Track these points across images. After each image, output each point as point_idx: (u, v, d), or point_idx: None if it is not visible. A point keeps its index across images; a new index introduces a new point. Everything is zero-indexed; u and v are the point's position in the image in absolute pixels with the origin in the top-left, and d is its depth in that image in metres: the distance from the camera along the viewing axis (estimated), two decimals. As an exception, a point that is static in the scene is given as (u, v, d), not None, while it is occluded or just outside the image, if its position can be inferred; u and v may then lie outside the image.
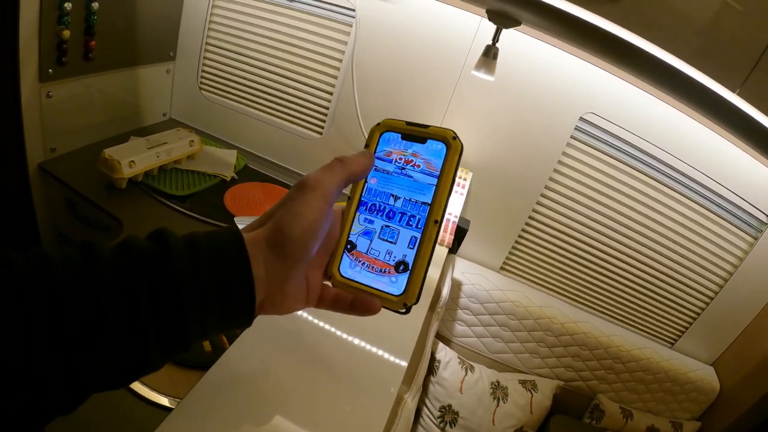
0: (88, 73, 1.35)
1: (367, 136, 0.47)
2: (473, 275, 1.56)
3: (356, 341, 0.63)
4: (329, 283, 0.46)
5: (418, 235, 0.43)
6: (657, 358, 1.55)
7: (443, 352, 1.51)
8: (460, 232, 1.09)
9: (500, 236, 1.59)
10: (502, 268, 1.66)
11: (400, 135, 0.46)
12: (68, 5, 1.18)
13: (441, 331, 1.63)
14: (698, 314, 1.59)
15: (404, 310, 0.43)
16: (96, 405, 0.38)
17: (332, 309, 0.45)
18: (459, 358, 1.54)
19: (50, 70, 1.22)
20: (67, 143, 1.37)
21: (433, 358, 1.49)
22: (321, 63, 1.55)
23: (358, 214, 0.46)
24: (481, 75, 1.06)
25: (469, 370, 1.51)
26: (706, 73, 1.05)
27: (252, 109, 1.71)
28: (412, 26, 1.40)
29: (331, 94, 1.57)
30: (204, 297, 0.35)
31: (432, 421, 1.47)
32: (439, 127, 0.44)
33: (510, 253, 1.62)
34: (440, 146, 0.44)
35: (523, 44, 1.31)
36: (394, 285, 0.43)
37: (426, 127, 0.45)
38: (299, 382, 0.53)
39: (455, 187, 1.27)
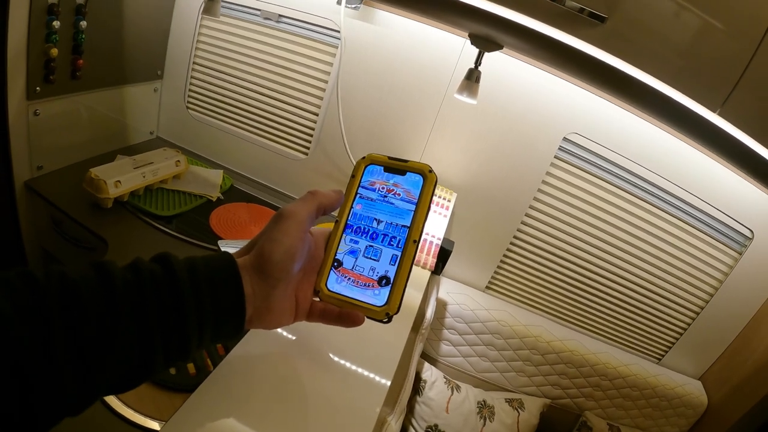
0: (75, 91, 1.35)
1: (353, 166, 0.55)
2: (458, 295, 1.56)
3: (337, 360, 0.63)
4: (318, 299, 0.51)
5: (399, 253, 0.50)
6: (644, 374, 1.55)
7: (429, 372, 1.51)
8: (444, 253, 1.09)
9: (485, 256, 1.60)
10: (487, 288, 1.66)
11: (382, 168, 0.53)
12: (56, 24, 1.18)
13: (427, 350, 1.62)
14: (685, 329, 1.60)
15: (386, 320, 0.48)
16: (81, 426, 0.42)
17: (321, 321, 0.52)
18: (445, 377, 1.53)
19: (38, 88, 1.22)
20: (54, 161, 1.37)
21: (418, 378, 1.49)
22: (307, 84, 1.56)
23: (344, 235, 0.52)
24: (464, 98, 1.08)
25: (455, 390, 1.50)
26: (686, 94, 1.06)
27: (238, 129, 1.71)
28: (397, 48, 1.41)
29: (316, 115, 1.58)
30: (201, 311, 0.41)
31: (419, 441, 1.46)
32: (418, 162, 0.52)
33: (495, 272, 1.62)
34: (418, 178, 0.51)
35: (506, 65, 1.33)
36: (377, 297, 0.49)
37: (405, 161, 0.52)
38: (279, 404, 0.53)
39: (438, 209, 1.28)
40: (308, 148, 1.63)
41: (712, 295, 1.54)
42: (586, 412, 1.59)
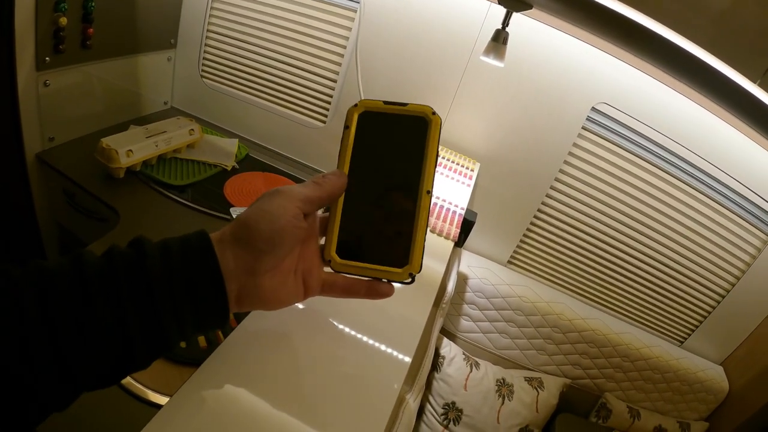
0: (86, 61, 1.33)
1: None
2: (480, 269, 1.53)
3: (355, 335, 0.60)
4: (330, 269, 0.46)
5: (413, 207, 0.44)
6: (666, 356, 1.52)
7: (448, 348, 1.48)
8: (467, 225, 1.05)
9: (508, 229, 1.56)
10: (509, 262, 1.63)
11: (379, 114, 0.47)
12: (65, -8, 1.16)
13: (446, 326, 1.60)
14: (709, 312, 1.56)
15: (410, 280, 0.43)
16: (89, 402, 0.39)
17: (345, 296, 0.47)
18: (464, 354, 1.51)
19: (47, 59, 1.20)
20: (65, 133, 1.35)
21: (437, 354, 1.46)
22: (325, 50, 1.52)
23: (348, 193, 0.46)
24: (490, 61, 1.02)
25: (474, 367, 1.48)
26: (725, 62, 1.01)
27: (254, 97, 1.68)
28: (417, 11, 1.36)
29: (335, 82, 1.54)
30: (175, 294, 0.37)
31: (435, 419, 1.44)
32: (417, 104, 0.46)
33: (518, 246, 1.59)
34: (421, 121, 0.45)
35: (533, 31, 1.27)
36: (397, 258, 0.44)
37: (404, 104, 0.46)
38: (295, 380, 0.50)
39: (460, 178, 1.24)
40: (326, 116, 1.60)
41: (738, 279, 1.49)
42: (606, 393, 1.56)
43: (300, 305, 0.60)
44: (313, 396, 0.49)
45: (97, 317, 0.34)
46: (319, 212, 0.48)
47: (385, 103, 0.47)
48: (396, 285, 0.45)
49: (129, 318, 0.35)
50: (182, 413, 0.43)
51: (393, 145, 0.47)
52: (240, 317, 0.53)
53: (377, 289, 0.46)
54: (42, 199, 1.35)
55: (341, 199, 0.46)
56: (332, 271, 0.46)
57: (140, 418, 0.41)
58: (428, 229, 0.44)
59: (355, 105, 0.47)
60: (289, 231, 0.41)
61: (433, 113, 0.45)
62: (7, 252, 1.38)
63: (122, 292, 0.35)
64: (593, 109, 1.33)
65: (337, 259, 0.45)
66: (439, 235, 0.91)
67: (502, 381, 1.48)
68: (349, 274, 0.45)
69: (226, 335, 0.52)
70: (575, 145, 1.39)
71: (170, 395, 0.78)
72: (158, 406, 0.78)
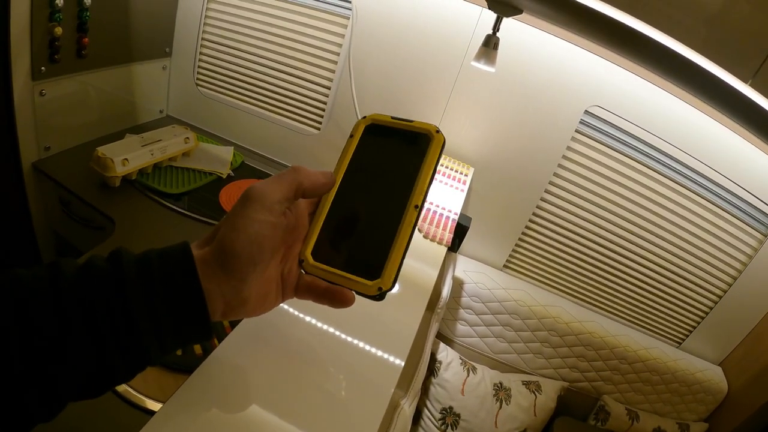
0: (81, 70, 1.33)
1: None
2: (475, 273, 1.53)
3: (350, 341, 0.60)
4: (303, 270, 0.44)
5: (396, 220, 0.42)
6: (664, 358, 1.52)
7: (444, 353, 1.48)
8: (461, 230, 1.05)
9: (503, 233, 1.56)
10: (505, 266, 1.63)
11: (385, 127, 0.47)
12: (60, 2, 1.16)
13: (442, 331, 1.60)
14: (706, 313, 1.56)
15: (378, 296, 0.41)
16: (82, 408, 0.40)
17: (308, 298, 0.46)
18: (461, 358, 1.50)
19: (43, 68, 1.20)
20: (61, 142, 1.35)
21: (434, 359, 1.46)
22: (318, 57, 1.53)
23: (336, 198, 0.45)
24: (481, 66, 1.03)
25: (471, 371, 1.48)
26: (717, 63, 1.01)
27: (249, 105, 1.68)
28: (410, 18, 1.36)
29: (328, 88, 1.55)
30: (154, 312, 0.36)
31: (433, 424, 1.44)
32: (423, 122, 0.45)
33: (513, 250, 1.59)
34: (423, 138, 0.45)
35: (525, 35, 1.28)
36: (370, 269, 0.42)
37: (410, 121, 0.46)
38: (287, 385, 0.50)
39: (454, 183, 1.24)
40: (320, 122, 1.61)
41: (735, 279, 1.49)
42: (604, 396, 1.56)
43: (291, 309, 0.60)
44: (304, 401, 0.49)
45: (73, 335, 0.33)
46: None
47: (393, 118, 0.47)
48: (366, 299, 0.43)
49: (105, 334, 0.34)
50: (175, 420, 0.43)
51: (392, 157, 0.46)
52: (233, 324, 0.53)
53: (339, 294, 0.44)
54: (38, 207, 1.35)
55: (329, 202, 0.45)
56: (302, 271, 0.44)
57: (134, 425, 0.41)
58: (408, 247, 0.42)
59: (364, 117, 0.48)
60: (269, 244, 0.40)
61: (437, 131, 0.45)
62: (5, 260, 1.38)
63: (98, 310, 0.34)
64: (586, 112, 1.33)
65: (310, 260, 0.43)
66: (432, 240, 0.92)
67: (499, 385, 1.48)
68: (318, 277, 0.43)
69: (220, 340, 0.52)
70: (569, 148, 1.39)
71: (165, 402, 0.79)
72: (153, 413, 0.78)
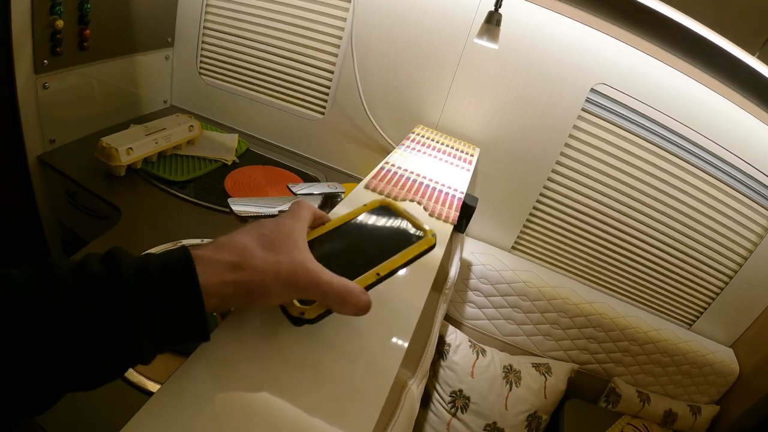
0: (84, 62, 1.33)
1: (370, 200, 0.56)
2: (483, 255, 1.52)
3: (352, 319, 0.59)
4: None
5: (354, 275, 0.46)
6: (675, 339, 1.51)
7: (453, 335, 1.48)
8: (468, 210, 1.04)
9: (511, 214, 1.55)
10: (513, 248, 1.62)
11: (392, 212, 0.54)
12: (60, -6, 1.16)
13: (451, 313, 1.59)
14: (717, 294, 1.54)
15: (297, 320, 0.46)
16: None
17: None
18: (470, 341, 1.50)
19: (45, 61, 1.21)
20: (66, 134, 1.36)
21: (443, 342, 1.46)
22: (320, 41, 1.53)
23: (320, 240, 0.51)
24: (484, 43, 1.02)
25: (480, 354, 1.47)
26: (724, 36, 1.00)
27: (253, 92, 1.68)
28: (411, -1, 1.35)
29: (332, 73, 1.54)
30: (150, 315, 0.36)
31: (442, 406, 1.44)
32: (428, 226, 0.52)
33: (521, 231, 1.58)
34: (418, 232, 0.51)
35: (529, 14, 1.26)
36: None
37: (417, 219, 0.53)
38: (286, 362, 0.49)
39: (460, 163, 1.23)
40: (324, 107, 1.61)
41: (746, 259, 1.48)
42: (614, 378, 1.56)
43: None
44: (304, 378, 0.49)
45: (65, 339, 0.33)
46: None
47: (404, 211, 0.54)
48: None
49: (99, 338, 0.34)
50: (173, 400, 0.43)
51: (385, 233, 0.53)
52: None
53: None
54: (44, 199, 1.36)
55: (315, 234, 0.51)
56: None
57: (136, 406, 0.41)
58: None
59: (383, 198, 0.57)
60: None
61: (433, 235, 0.50)
62: (12, 252, 1.39)
63: (90, 312, 0.34)
64: (592, 90, 1.32)
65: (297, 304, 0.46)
66: (438, 218, 0.91)
67: (509, 368, 1.48)
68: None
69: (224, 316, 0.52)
70: (576, 127, 1.38)
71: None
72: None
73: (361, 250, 0.51)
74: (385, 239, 0.52)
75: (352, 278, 0.45)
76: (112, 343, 0.34)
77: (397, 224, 0.53)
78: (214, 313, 0.93)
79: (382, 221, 0.54)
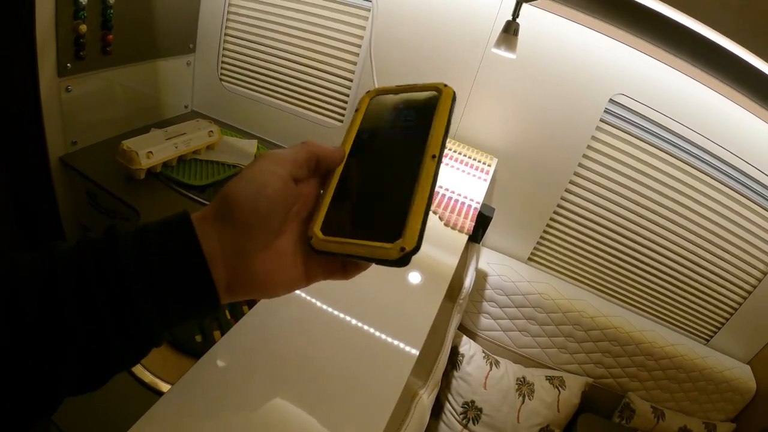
0: (106, 67, 1.36)
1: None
2: (499, 266, 1.51)
3: (362, 327, 0.59)
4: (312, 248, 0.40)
5: (414, 173, 0.37)
6: (691, 355, 1.48)
7: (467, 346, 1.47)
8: (484, 220, 1.04)
9: (527, 225, 1.54)
10: (529, 259, 1.61)
11: (391, 95, 0.45)
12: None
13: (465, 323, 1.59)
14: (735, 309, 1.51)
15: (402, 258, 0.34)
16: (102, 392, 0.37)
17: (326, 278, 0.41)
18: (484, 352, 1.49)
19: (68, 65, 1.23)
20: (88, 137, 1.38)
21: (456, 352, 1.45)
22: (340, 50, 1.54)
23: (346, 169, 0.42)
24: (501, 52, 1.02)
25: (494, 365, 1.46)
26: (745, 47, 0.99)
27: (272, 98, 1.70)
28: (431, 9, 1.36)
29: (351, 80, 1.55)
30: (152, 279, 0.33)
31: (454, 417, 1.43)
32: (429, 82, 0.43)
33: (538, 243, 1.57)
34: (432, 94, 0.42)
35: (548, 24, 1.26)
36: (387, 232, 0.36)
37: (416, 84, 0.44)
38: (295, 370, 0.49)
39: (477, 173, 1.23)
40: (343, 114, 1.62)
41: (765, 274, 1.45)
42: (629, 393, 1.53)
43: (302, 294, 0.60)
44: (314, 385, 0.49)
45: (67, 316, 0.31)
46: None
47: (398, 85, 0.45)
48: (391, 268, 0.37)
49: (102, 310, 0.32)
50: (183, 400, 0.43)
51: (402, 120, 0.43)
52: (251, 304, 0.53)
53: (351, 266, 0.40)
54: (65, 200, 1.38)
55: (337, 175, 0.41)
56: (313, 250, 0.39)
57: (141, 401, 0.41)
58: (432, 209, 0.36)
59: (368, 91, 0.46)
60: (278, 197, 0.36)
61: (445, 85, 0.42)
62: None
63: (91, 284, 0.32)
64: (611, 100, 1.31)
65: (320, 234, 0.38)
66: (453, 228, 0.91)
67: (522, 380, 1.46)
68: (331, 253, 0.38)
69: (238, 317, 0.52)
70: (594, 138, 1.37)
71: (168, 381, 0.79)
72: (157, 392, 0.79)
73: (395, 150, 0.41)
74: (408, 123, 0.42)
75: (414, 179, 0.37)
76: (115, 312, 0.32)
77: (406, 100, 0.44)
78: (228, 317, 0.94)
79: (389, 112, 0.44)
